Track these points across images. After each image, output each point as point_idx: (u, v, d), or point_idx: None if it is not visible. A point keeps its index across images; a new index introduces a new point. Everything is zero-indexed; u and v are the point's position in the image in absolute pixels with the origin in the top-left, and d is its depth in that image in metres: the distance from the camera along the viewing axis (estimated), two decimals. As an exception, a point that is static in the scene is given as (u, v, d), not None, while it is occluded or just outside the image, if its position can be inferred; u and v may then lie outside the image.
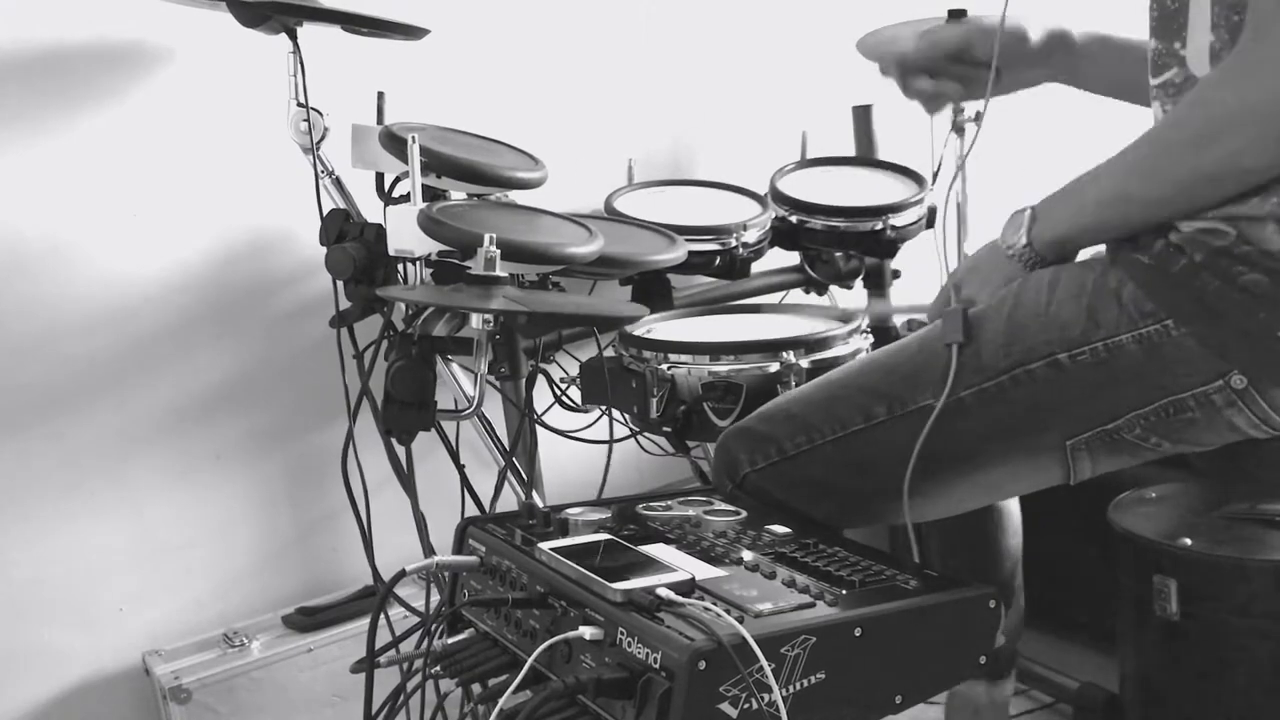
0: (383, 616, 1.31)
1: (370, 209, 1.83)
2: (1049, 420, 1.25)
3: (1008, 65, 1.45)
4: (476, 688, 1.17)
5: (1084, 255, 1.29)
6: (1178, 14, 1.15)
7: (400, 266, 1.69)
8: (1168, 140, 1.13)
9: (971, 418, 1.26)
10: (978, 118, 2.34)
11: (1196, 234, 1.15)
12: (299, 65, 1.74)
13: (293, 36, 1.74)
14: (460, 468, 1.78)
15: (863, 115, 2.48)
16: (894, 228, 2.17)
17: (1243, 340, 1.14)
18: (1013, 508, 1.69)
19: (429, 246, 1.60)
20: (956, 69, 1.52)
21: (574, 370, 1.90)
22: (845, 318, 1.70)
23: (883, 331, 1.69)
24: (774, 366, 1.65)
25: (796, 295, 2.30)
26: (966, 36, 1.50)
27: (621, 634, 1.00)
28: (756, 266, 2.15)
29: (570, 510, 1.28)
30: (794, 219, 2.21)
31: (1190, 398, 1.19)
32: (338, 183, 1.84)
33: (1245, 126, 1.05)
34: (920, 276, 2.32)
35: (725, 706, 0.96)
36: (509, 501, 1.76)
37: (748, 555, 1.17)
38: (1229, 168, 1.09)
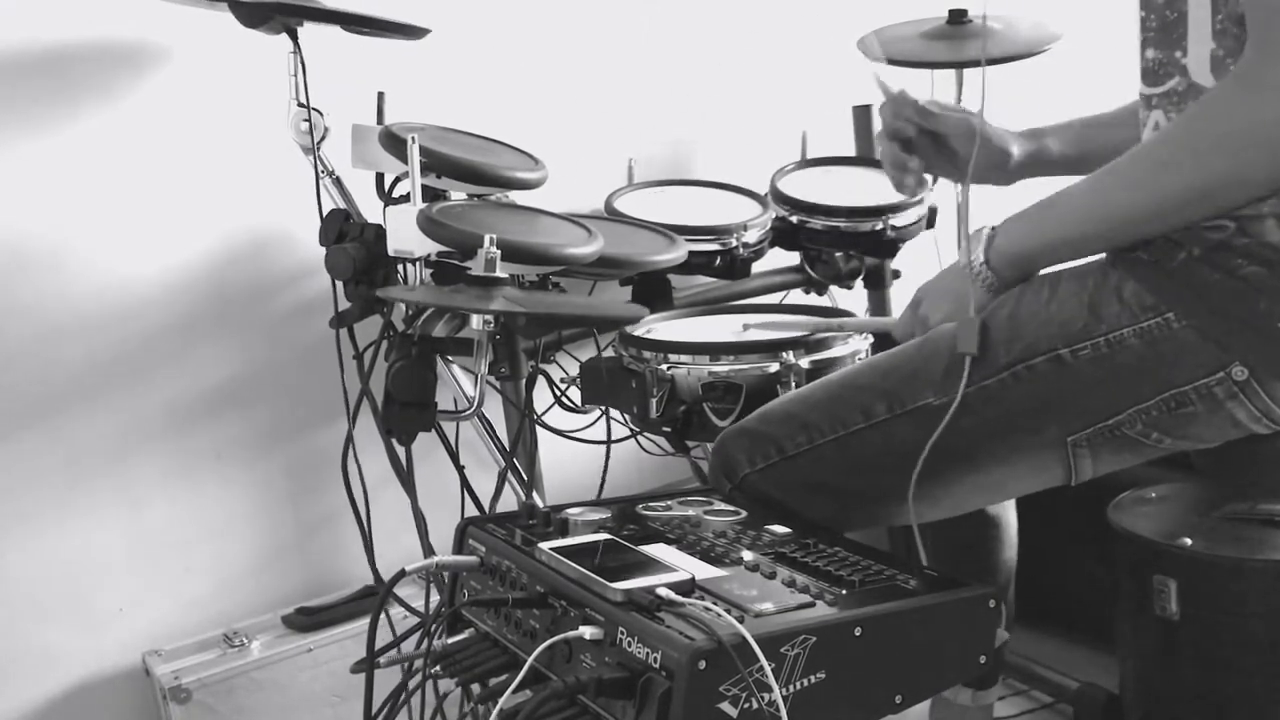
0: (383, 616, 1.31)
1: (370, 209, 1.83)
2: (1050, 416, 1.26)
3: (980, 175, 1.48)
4: (476, 688, 1.17)
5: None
6: (1177, 24, 1.15)
7: (400, 267, 1.69)
8: (1166, 153, 1.12)
9: (973, 415, 1.26)
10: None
11: (1195, 229, 1.16)
12: (299, 65, 1.74)
13: (293, 36, 1.74)
14: (460, 468, 1.78)
15: (863, 115, 2.48)
16: (894, 228, 2.17)
17: (1244, 331, 1.15)
18: (1010, 521, 1.69)
19: (429, 247, 1.60)
20: (931, 147, 1.53)
21: (574, 370, 1.90)
22: (819, 329, 1.72)
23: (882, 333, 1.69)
24: (774, 367, 1.65)
25: (796, 295, 2.30)
26: (955, 129, 1.51)
27: (621, 634, 1.00)
28: (756, 266, 2.15)
29: (570, 510, 1.28)
30: (794, 219, 2.21)
31: (1192, 390, 1.19)
32: (338, 182, 1.84)
33: (1255, 143, 1.04)
34: (921, 277, 2.32)
35: (725, 706, 0.96)
36: (509, 501, 1.76)
37: (748, 555, 1.17)
38: (1231, 182, 1.08)
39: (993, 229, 1.27)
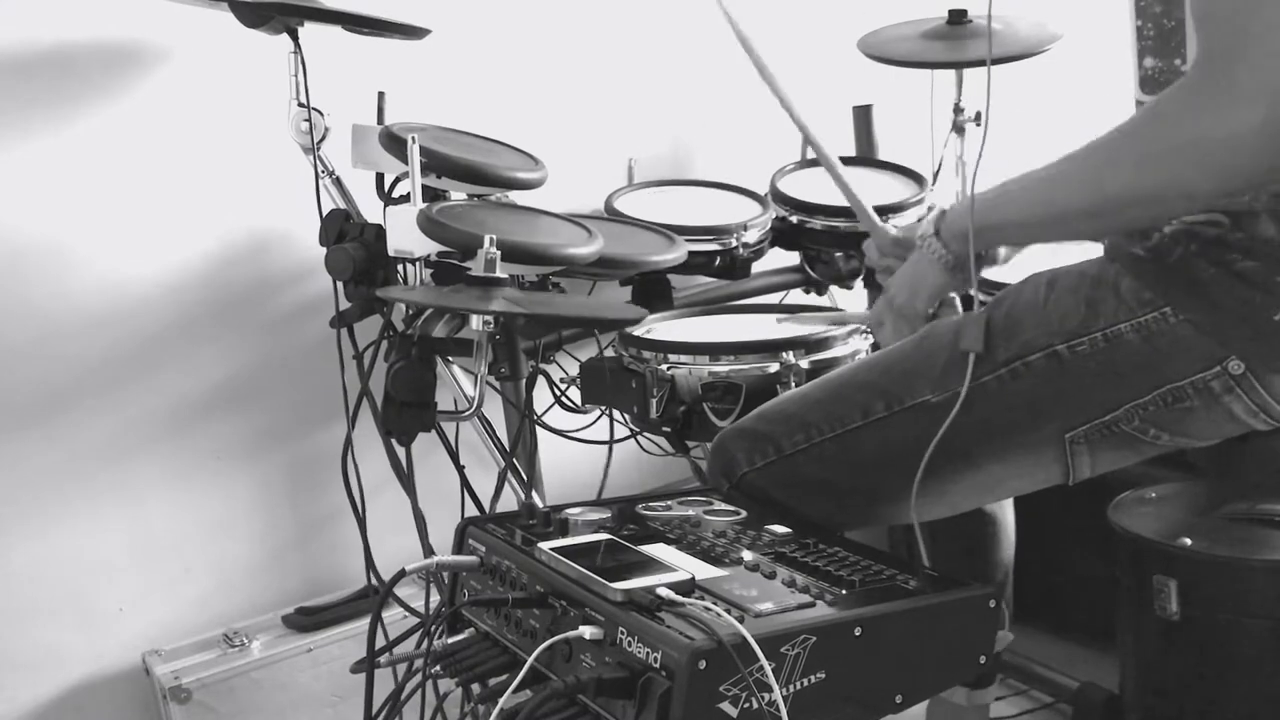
0: (383, 616, 1.31)
1: (370, 209, 1.83)
2: (1048, 413, 1.26)
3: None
4: (476, 688, 1.17)
5: (1075, 258, 1.30)
6: (1175, 32, 1.15)
7: (400, 267, 1.69)
8: (1111, 155, 1.12)
9: (971, 412, 1.26)
10: (978, 118, 2.35)
11: (1191, 225, 1.16)
12: (300, 65, 1.75)
13: (294, 37, 1.74)
14: (460, 468, 1.78)
15: (863, 115, 2.48)
16: (895, 228, 2.17)
17: (1239, 325, 1.15)
18: (1008, 518, 1.69)
19: (429, 247, 1.60)
20: None
21: (574, 371, 1.90)
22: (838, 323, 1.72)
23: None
24: (774, 367, 1.65)
25: (796, 295, 2.30)
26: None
27: (621, 634, 1.00)
28: (756, 266, 2.15)
29: (570, 510, 1.28)
30: (794, 219, 2.21)
31: (1188, 385, 1.19)
32: (338, 183, 1.84)
33: (1193, 155, 1.03)
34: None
35: (725, 706, 0.96)
36: (509, 502, 1.76)
37: (748, 555, 1.17)
38: (1170, 191, 1.08)
39: (945, 207, 1.28)
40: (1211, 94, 1.02)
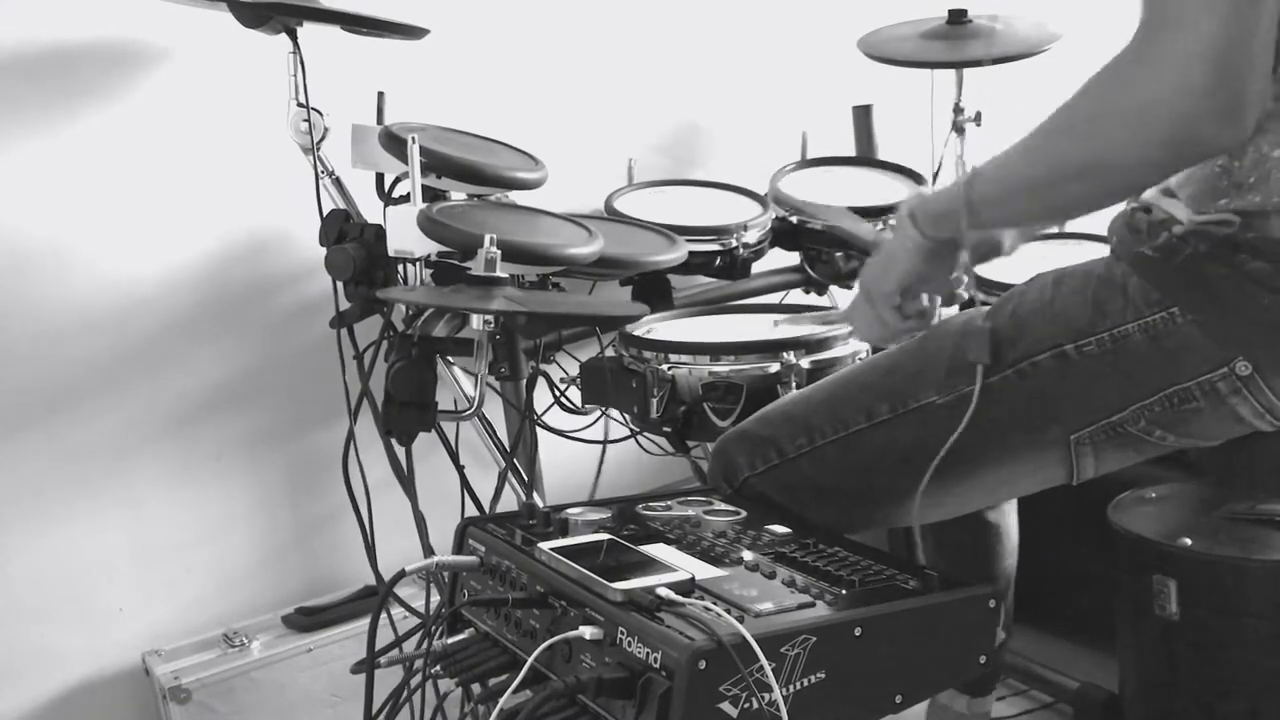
0: (383, 616, 1.31)
1: (370, 209, 1.83)
2: (1053, 414, 1.25)
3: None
4: (476, 688, 1.17)
5: (1078, 260, 1.29)
6: None
7: (400, 267, 1.69)
8: (1054, 125, 1.11)
9: (977, 413, 1.26)
10: (978, 118, 2.35)
11: (1201, 225, 1.15)
12: (299, 65, 1.75)
13: (293, 36, 1.74)
14: (460, 468, 1.78)
15: (863, 115, 2.48)
16: (894, 228, 2.17)
17: (1247, 327, 1.15)
18: (1011, 528, 1.68)
19: (429, 247, 1.60)
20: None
21: (574, 370, 1.90)
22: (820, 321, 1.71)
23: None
24: (774, 367, 1.65)
25: (796, 295, 2.30)
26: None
27: (621, 634, 1.00)
28: (756, 266, 2.15)
29: (570, 510, 1.28)
30: (794, 219, 2.21)
31: (1195, 386, 1.18)
32: (338, 183, 1.84)
33: (1120, 122, 1.03)
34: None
35: (725, 706, 0.96)
36: (509, 502, 1.76)
37: (748, 555, 1.17)
38: (1103, 159, 1.07)
39: (925, 190, 1.26)
40: (1131, 62, 1.02)
